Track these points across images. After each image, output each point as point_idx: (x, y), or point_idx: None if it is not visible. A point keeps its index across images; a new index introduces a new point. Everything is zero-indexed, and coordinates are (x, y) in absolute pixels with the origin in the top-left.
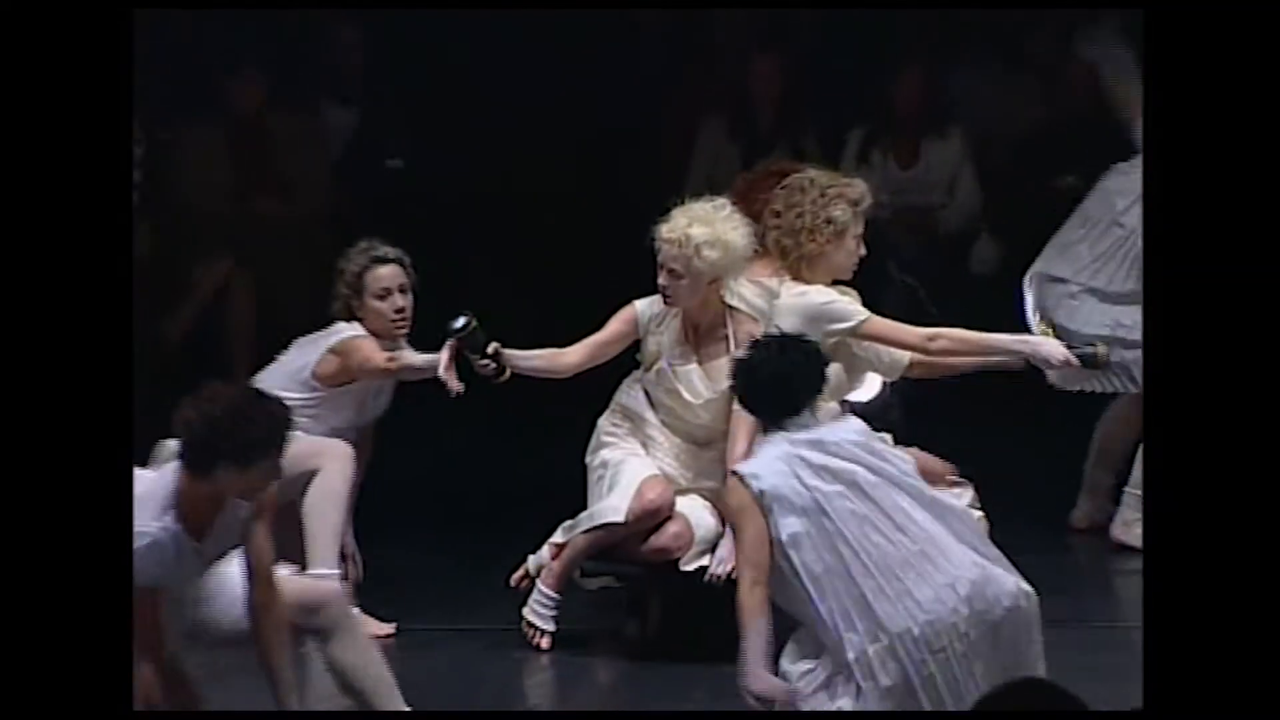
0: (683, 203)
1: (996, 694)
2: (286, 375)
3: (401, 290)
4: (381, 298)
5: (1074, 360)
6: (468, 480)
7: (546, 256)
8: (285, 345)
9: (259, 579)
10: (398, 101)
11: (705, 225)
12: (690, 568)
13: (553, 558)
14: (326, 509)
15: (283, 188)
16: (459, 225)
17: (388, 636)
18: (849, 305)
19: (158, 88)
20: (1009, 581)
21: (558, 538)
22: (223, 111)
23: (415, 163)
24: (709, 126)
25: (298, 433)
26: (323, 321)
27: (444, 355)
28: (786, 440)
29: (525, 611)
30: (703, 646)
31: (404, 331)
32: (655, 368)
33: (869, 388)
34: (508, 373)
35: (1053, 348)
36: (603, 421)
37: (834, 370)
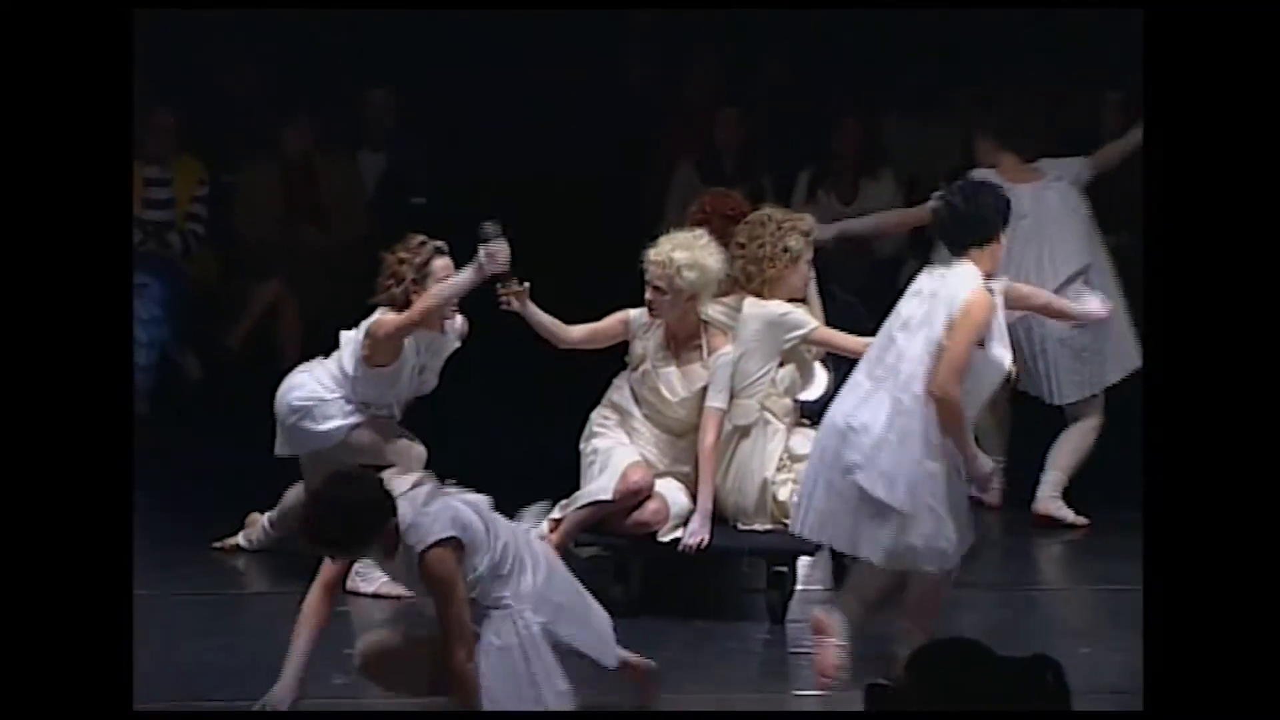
0: (667, 232)
1: (924, 649)
2: (350, 356)
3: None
4: None
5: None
6: (481, 465)
7: (545, 276)
8: (326, 352)
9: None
10: (420, 149)
11: (686, 250)
12: (666, 539)
13: (551, 530)
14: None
15: (324, 220)
16: (471, 252)
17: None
18: (802, 315)
19: (219, 136)
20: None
21: (555, 513)
22: (275, 156)
23: (434, 200)
24: (682, 169)
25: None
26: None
27: (475, 264)
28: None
29: None
30: (677, 605)
31: (454, 313)
32: (640, 369)
33: (817, 388)
34: (516, 303)
35: None
36: (594, 415)
37: (788, 371)
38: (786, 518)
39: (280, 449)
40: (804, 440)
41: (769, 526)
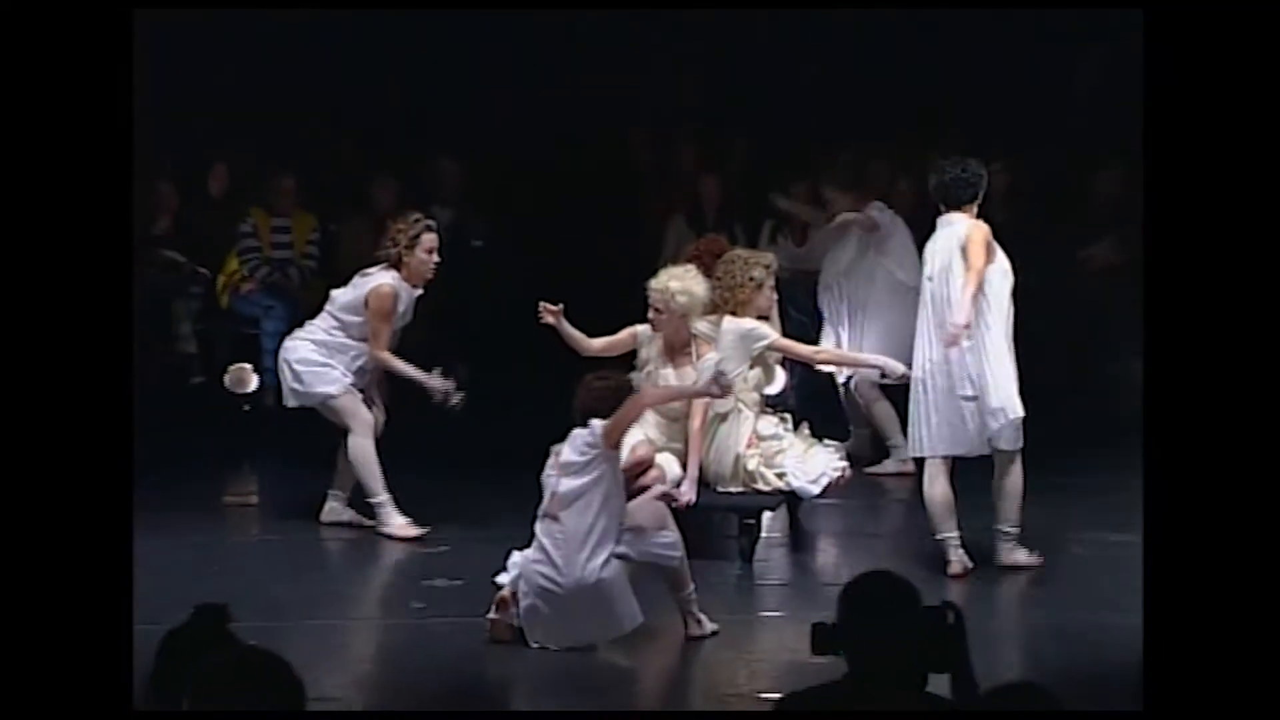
0: (665, 267)
1: (856, 580)
2: (345, 311)
3: (439, 251)
4: (430, 252)
5: (908, 373)
6: (526, 439)
7: (572, 301)
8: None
9: None
10: (477, 204)
11: (679, 280)
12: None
13: None
14: (366, 460)
15: None
16: (516, 282)
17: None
18: (767, 329)
19: (327, 195)
20: None
21: None
22: (368, 211)
23: (489, 242)
24: (675, 220)
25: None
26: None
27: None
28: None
29: None
30: None
31: (431, 278)
32: (645, 370)
33: (777, 384)
34: (553, 320)
35: (896, 363)
36: None
37: (756, 371)
38: (754, 483)
39: (286, 401)
40: (768, 424)
41: (740, 489)
